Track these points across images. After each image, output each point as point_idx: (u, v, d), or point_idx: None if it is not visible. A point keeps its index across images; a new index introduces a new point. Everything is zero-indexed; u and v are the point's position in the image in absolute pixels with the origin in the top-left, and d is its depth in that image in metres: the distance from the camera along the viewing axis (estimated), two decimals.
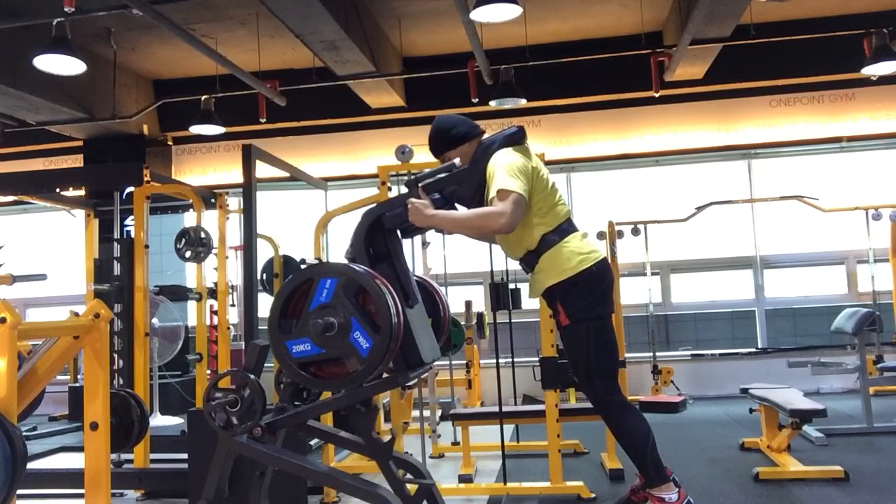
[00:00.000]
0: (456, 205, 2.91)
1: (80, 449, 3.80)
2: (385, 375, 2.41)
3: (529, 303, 3.79)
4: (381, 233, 2.63)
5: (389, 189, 4.09)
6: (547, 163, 3.25)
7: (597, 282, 3.04)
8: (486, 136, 3.13)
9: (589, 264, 3.01)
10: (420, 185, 2.79)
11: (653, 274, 7.30)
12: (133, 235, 4.26)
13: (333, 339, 2.20)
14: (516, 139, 3.05)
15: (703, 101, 7.60)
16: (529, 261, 3.09)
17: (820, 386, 6.90)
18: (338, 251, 5.75)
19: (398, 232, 2.72)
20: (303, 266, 4.83)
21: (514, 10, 5.05)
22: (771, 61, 7.28)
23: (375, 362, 2.19)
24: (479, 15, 5.11)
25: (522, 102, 6.86)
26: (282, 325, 2.27)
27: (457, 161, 2.94)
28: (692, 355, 7.35)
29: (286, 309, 2.28)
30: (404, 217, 2.69)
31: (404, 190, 2.86)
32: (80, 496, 2.25)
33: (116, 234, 4.84)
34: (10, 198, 7.83)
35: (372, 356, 2.18)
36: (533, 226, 3.02)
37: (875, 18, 6.66)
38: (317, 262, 2.58)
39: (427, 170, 2.89)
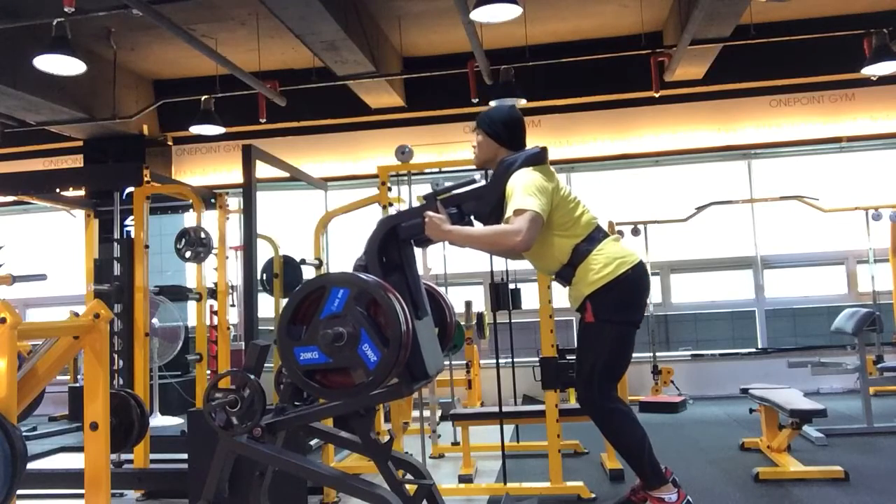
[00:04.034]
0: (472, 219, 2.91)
1: (80, 449, 3.80)
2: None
3: (529, 303, 3.80)
4: (395, 242, 2.62)
5: (389, 189, 4.08)
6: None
7: (632, 286, 3.02)
8: (508, 155, 3.08)
9: (626, 268, 2.99)
10: (438, 198, 2.78)
11: (653, 274, 7.29)
12: (133, 235, 4.25)
13: (342, 350, 2.19)
14: (538, 159, 3.03)
15: (703, 101, 7.60)
16: (566, 274, 3.07)
17: (820, 386, 6.90)
18: (338, 251, 5.76)
19: (412, 242, 2.72)
20: (302, 266, 4.85)
21: (514, 11, 5.05)
22: (771, 61, 7.28)
23: (382, 376, 2.18)
24: (479, 15, 5.11)
25: (522, 102, 6.85)
26: (291, 332, 2.26)
27: (476, 176, 2.94)
28: (692, 355, 7.35)
29: (296, 314, 2.27)
30: (420, 229, 2.69)
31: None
32: (80, 496, 2.25)
33: (116, 235, 4.83)
34: (10, 198, 7.82)
35: (379, 369, 2.17)
36: (556, 242, 3.02)
37: (875, 18, 6.66)
38: (362, 266, 2.54)
39: (447, 183, 2.89)
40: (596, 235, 3.05)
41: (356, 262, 2.60)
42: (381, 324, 2.20)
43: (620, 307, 3.01)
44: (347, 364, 2.21)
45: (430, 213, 2.70)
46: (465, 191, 2.84)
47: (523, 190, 2.88)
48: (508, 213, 2.88)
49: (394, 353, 2.16)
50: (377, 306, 2.22)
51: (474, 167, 3.30)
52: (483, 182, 2.96)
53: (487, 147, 3.15)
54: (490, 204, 2.92)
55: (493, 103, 6.79)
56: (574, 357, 3.51)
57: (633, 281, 3.02)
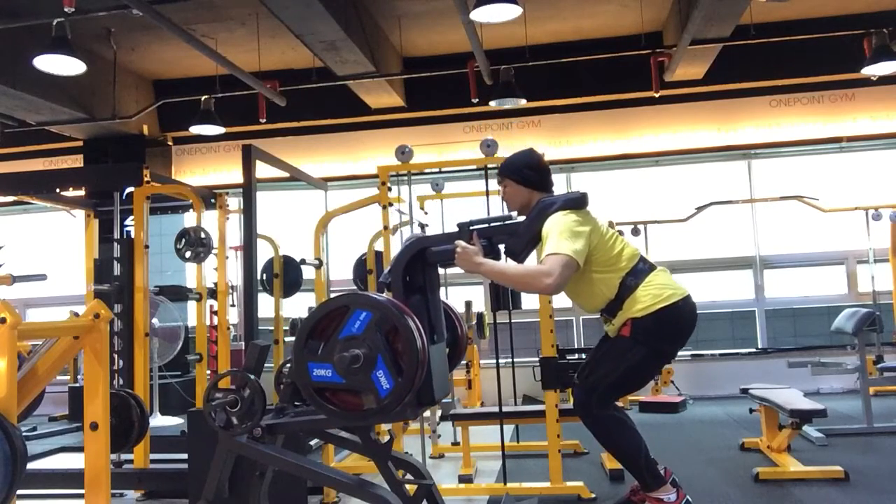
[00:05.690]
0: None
1: (80, 449, 3.80)
2: None
3: (529, 303, 3.80)
4: (422, 265, 2.62)
5: (389, 189, 4.08)
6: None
7: (679, 316, 3.01)
8: (546, 197, 3.09)
9: (677, 298, 3.00)
10: (472, 228, 2.78)
11: None
12: (133, 235, 4.25)
13: (356, 373, 2.17)
14: (577, 204, 3.03)
15: (703, 101, 7.60)
16: (612, 308, 3.06)
17: (820, 386, 6.90)
18: (338, 251, 5.75)
19: (437, 264, 2.72)
20: (302, 266, 4.85)
21: (514, 11, 5.05)
22: (771, 61, 7.28)
23: (393, 405, 2.16)
24: (479, 15, 5.11)
25: (522, 102, 6.86)
26: (308, 345, 2.24)
27: (514, 214, 2.96)
28: (692, 355, 7.34)
29: (315, 330, 2.25)
30: (450, 256, 2.69)
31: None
32: (80, 496, 2.25)
33: (116, 235, 4.83)
34: (10, 198, 7.83)
35: (391, 398, 2.16)
36: (600, 279, 3.02)
37: (875, 18, 6.66)
38: (384, 283, 2.54)
39: (485, 216, 2.89)
40: (642, 268, 3.04)
41: (380, 279, 2.60)
42: (398, 350, 2.18)
43: (660, 333, 2.99)
44: (359, 388, 2.19)
45: (463, 244, 2.71)
46: (500, 225, 2.85)
47: (559, 234, 2.88)
48: (542, 256, 2.90)
49: (407, 385, 2.15)
50: (396, 333, 2.20)
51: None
52: (520, 218, 2.97)
53: (519, 194, 3.15)
54: (523, 242, 2.91)
55: (493, 103, 6.81)
56: (574, 357, 3.52)
57: (681, 312, 3.01)
